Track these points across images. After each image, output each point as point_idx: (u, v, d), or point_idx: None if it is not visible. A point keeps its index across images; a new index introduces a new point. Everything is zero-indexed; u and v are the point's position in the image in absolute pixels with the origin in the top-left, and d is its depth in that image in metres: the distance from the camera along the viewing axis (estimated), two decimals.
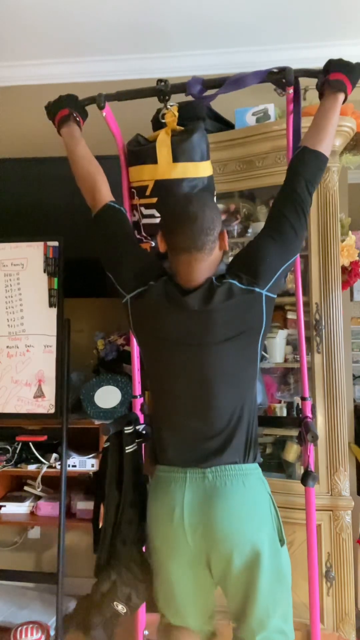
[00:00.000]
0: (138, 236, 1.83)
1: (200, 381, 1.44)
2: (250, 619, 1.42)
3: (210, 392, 1.44)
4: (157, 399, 1.56)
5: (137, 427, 1.76)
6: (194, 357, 1.43)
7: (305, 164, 1.51)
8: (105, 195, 1.62)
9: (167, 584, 1.49)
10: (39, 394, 2.34)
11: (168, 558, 1.45)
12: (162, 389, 1.53)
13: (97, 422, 2.40)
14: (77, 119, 1.76)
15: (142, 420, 1.90)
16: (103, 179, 1.65)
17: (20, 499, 2.57)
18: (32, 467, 2.44)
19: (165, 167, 1.74)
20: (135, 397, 2.01)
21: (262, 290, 1.43)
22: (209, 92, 1.74)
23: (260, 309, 1.43)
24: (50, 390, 2.33)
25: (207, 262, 1.42)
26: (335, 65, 1.61)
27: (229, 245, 1.57)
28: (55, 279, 2.36)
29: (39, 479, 2.52)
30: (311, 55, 2.59)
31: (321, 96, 1.63)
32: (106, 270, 1.57)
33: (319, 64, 1.66)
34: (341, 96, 1.59)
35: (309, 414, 1.87)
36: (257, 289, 1.42)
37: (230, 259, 1.58)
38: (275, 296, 1.48)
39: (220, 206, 2.36)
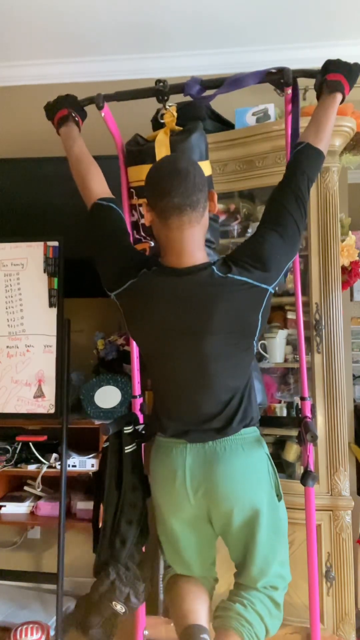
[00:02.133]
0: (137, 236, 1.83)
1: (197, 365, 1.45)
2: (251, 567, 1.50)
3: (206, 374, 1.45)
4: (154, 383, 1.60)
5: (137, 427, 1.76)
6: (190, 343, 1.43)
7: (309, 161, 1.51)
8: (95, 193, 1.60)
9: (172, 538, 1.57)
10: (39, 394, 2.34)
11: (172, 515, 1.53)
12: (159, 375, 1.55)
13: (97, 422, 2.40)
14: (76, 119, 1.77)
15: (142, 420, 1.90)
16: (95, 177, 1.63)
17: (20, 499, 2.57)
18: (32, 467, 2.43)
19: None
20: (135, 397, 2.01)
21: (269, 287, 1.43)
22: (208, 92, 1.74)
23: (260, 305, 1.43)
24: (50, 390, 2.33)
25: (198, 228, 1.39)
26: (333, 66, 1.61)
27: (230, 246, 1.58)
28: (55, 279, 2.36)
29: (39, 479, 2.52)
30: (311, 56, 2.59)
31: (319, 96, 1.63)
32: (96, 267, 1.56)
33: (318, 64, 1.66)
34: (339, 96, 1.59)
35: (309, 414, 1.87)
36: (264, 285, 1.41)
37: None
38: (274, 290, 1.48)
39: (220, 206, 2.36)
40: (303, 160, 1.51)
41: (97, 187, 1.62)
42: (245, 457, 1.48)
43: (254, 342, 1.48)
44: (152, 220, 1.43)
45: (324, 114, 1.57)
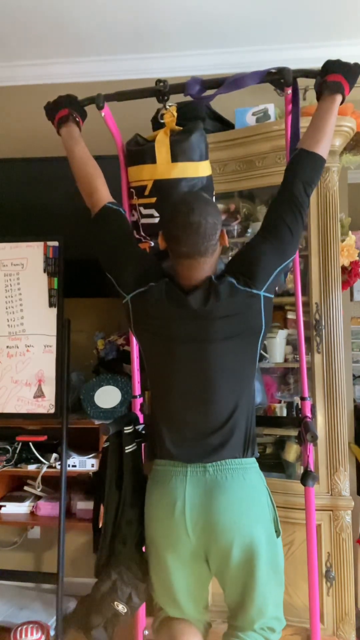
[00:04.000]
0: (137, 236, 1.83)
1: (200, 377, 1.46)
2: (249, 608, 1.46)
3: (210, 387, 1.46)
4: (156, 395, 1.58)
5: (137, 427, 1.76)
6: (194, 355, 1.45)
7: (302, 166, 1.52)
8: (103, 196, 1.62)
9: (165, 576, 1.50)
10: (39, 394, 2.34)
11: (167, 551, 1.47)
12: (162, 386, 1.54)
13: (97, 422, 2.40)
14: (77, 119, 1.76)
15: (142, 420, 1.91)
16: (101, 180, 1.65)
17: (20, 499, 2.56)
18: (32, 467, 2.43)
19: (164, 167, 1.75)
20: (135, 397, 2.01)
21: (260, 292, 1.45)
22: (208, 92, 1.74)
23: (259, 310, 1.45)
24: (50, 390, 2.33)
25: (209, 263, 1.45)
26: (333, 66, 1.61)
27: (229, 243, 1.59)
28: (55, 279, 2.36)
29: (39, 479, 2.52)
30: (311, 55, 2.59)
31: (319, 97, 1.63)
32: (106, 271, 1.58)
33: (318, 64, 1.67)
34: (339, 97, 1.60)
35: (309, 414, 1.87)
36: (254, 290, 1.44)
37: (230, 258, 1.58)
38: (272, 296, 1.49)
39: (220, 206, 2.36)
40: (297, 167, 1.53)
41: (105, 190, 1.64)
42: (247, 488, 1.45)
43: (257, 348, 1.49)
44: (165, 248, 1.50)
45: (323, 116, 1.57)
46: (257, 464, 1.52)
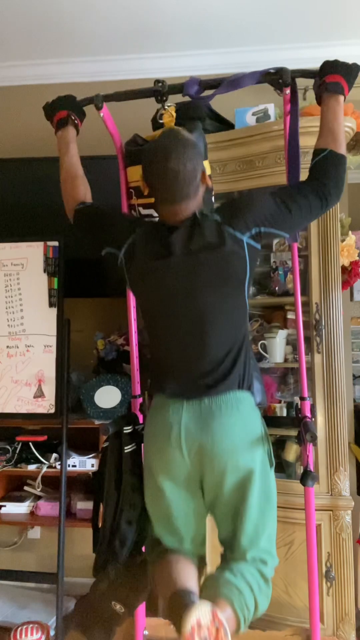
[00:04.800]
0: None
1: (194, 322, 1.49)
2: (241, 537, 1.47)
3: (202, 330, 1.49)
4: (152, 340, 1.62)
5: (137, 427, 1.76)
6: (185, 298, 1.48)
7: (334, 165, 1.54)
8: (76, 201, 1.67)
9: (162, 502, 1.53)
10: (39, 394, 2.35)
11: (164, 474, 1.51)
12: (156, 332, 1.58)
13: (97, 422, 2.40)
14: (75, 121, 1.77)
15: (141, 420, 1.90)
16: (78, 187, 1.69)
17: (20, 499, 2.57)
18: (32, 467, 2.44)
19: None
20: (135, 397, 2.01)
21: (243, 237, 1.46)
22: (207, 92, 1.73)
23: (243, 253, 1.46)
24: (50, 390, 2.34)
25: (192, 204, 1.47)
26: (331, 68, 1.61)
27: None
28: (55, 279, 2.36)
29: (39, 479, 2.52)
30: (310, 55, 2.59)
31: (319, 99, 1.63)
32: (102, 250, 1.60)
33: (318, 64, 1.66)
34: (341, 98, 1.60)
35: (309, 414, 1.87)
36: (237, 234, 1.45)
37: None
38: (259, 247, 1.50)
39: None
40: (328, 165, 1.53)
41: (79, 196, 1.68)
42: (241, 417, 1.50)
43: (245, 293, 1.51)
44: (148, 193, 1.53)
45: (334, 118, 1.57)
46: (252, 399, 1.56)
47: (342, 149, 1.55)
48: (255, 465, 1.47)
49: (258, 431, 1.53)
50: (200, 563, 1.61)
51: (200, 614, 1.22)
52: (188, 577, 1.46)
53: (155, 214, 1.76)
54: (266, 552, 1.51)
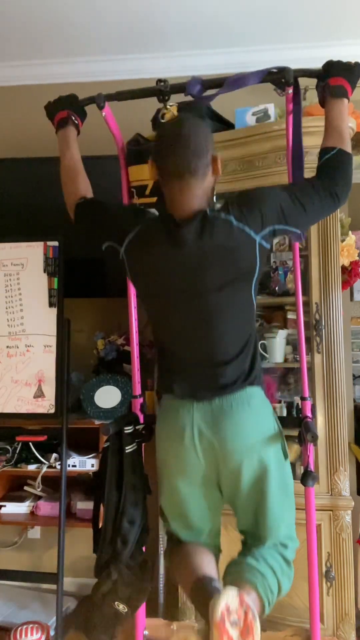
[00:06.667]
0: None
1: (203, 319, 1.48)
2: (262, 528, 1.49)
3: (213, 327, 1.48)
4: (159, 340, 1.61)
5: (137, 427, 1.76)
6: (193, 297, 1.46)
7: (343, 163, 1.53)
8: (76, 198, 1.65)
9: (178, 500, 1.54)
10: (39, 394, 2.34)
11: (179, 476, 1.52)
12: (162, 330, 1.57)
13: (97, 422, 2.40)
14: (76, 121, 1.77)
15: (142, 420, 1.90)
16: (78, 185, 1.67)
17: (20, 499, 2.57)
18: (32, 467, 2.44)
19: None
20: (135, 397, 2.00)
21: (257, 236, 1.43)
22: (209, 92, 1.74)
23: (254, 254, 1.44)
24: (50, 390, 2.33)
25: (200, 189, 1.43)
26: (334, 69, 1.61)
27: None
28: (55, 279, 2.36)
29: (39, 479, 2.52)
30: (311, 55, 2.58)
31: (322, 101, 1.63)
32: (103, 244, 1.57)
33: (318, 64, 1.66)
34: (346, 100, 1.60)
35: (309, 414, 1.87)
36: (252, 233, 1.42)
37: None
38: (269, 247, 1.49)
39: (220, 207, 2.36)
40: (339, 164, 1.53)
41: (80, 192, 1.66)
42: (252, 413, 1.49)
43: (252, 288, 1.49)
44: (155, 177, 1.48)
45: (340, 119, 1.57)
46: (262, 393, 1.55)
47: (349, 148, 1.55)
48: (270, 460, 1.48)
49: (270, 425, 1.53)
50: (218, 553, 1.63)
51: (228, 599, 1.23)
52: (208, 564, 1.48)
53: (157, 213, 1.76)
54: (287, 537, 1.53)
